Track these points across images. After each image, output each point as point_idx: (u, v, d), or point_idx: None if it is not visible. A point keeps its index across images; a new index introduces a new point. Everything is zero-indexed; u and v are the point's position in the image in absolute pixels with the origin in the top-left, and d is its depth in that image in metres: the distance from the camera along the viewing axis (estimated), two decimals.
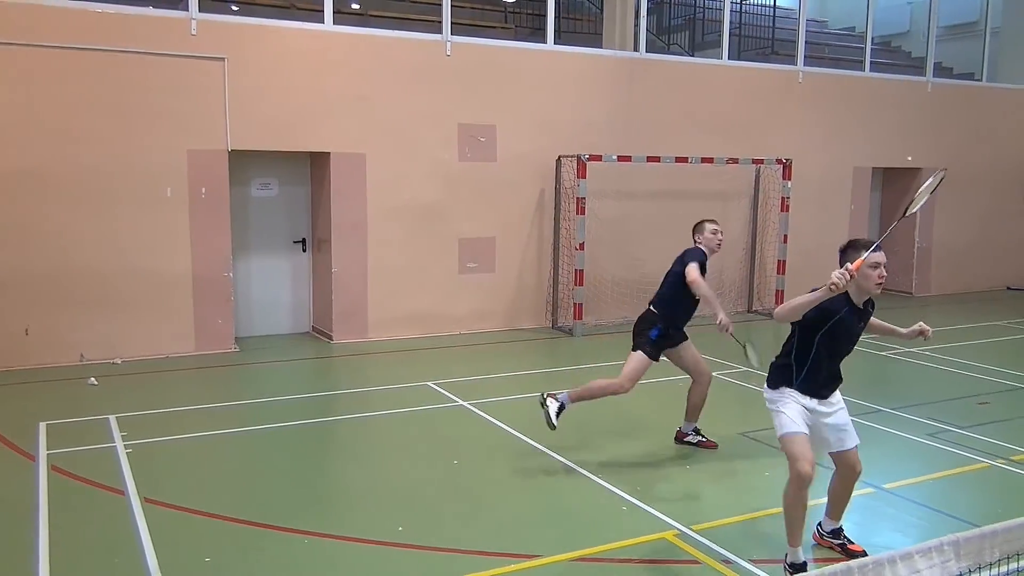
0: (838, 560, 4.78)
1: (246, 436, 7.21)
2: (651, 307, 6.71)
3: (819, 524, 5.10)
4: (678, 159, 11.98)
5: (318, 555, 4.94)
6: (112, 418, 7.44)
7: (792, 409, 4.61)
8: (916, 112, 14.98)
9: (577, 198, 11.37)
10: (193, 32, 9.64)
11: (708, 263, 6.62)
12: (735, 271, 13.38)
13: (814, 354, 4.60)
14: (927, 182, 4.94)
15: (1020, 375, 9.48)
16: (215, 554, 4.91)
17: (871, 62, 14.69)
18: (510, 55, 11.59)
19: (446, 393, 8.51)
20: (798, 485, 4.47)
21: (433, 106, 11.04)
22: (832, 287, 4.16)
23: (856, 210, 14.63)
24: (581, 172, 11.29)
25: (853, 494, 4.99)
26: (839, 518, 5.01)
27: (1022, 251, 16.72)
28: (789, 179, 12.96)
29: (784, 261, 13.12)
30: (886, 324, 5.14)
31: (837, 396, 4.82)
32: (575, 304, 11.62)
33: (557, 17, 12.42)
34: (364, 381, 9.21)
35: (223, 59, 9.77)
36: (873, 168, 14.88)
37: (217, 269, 10.08)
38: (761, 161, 12.93)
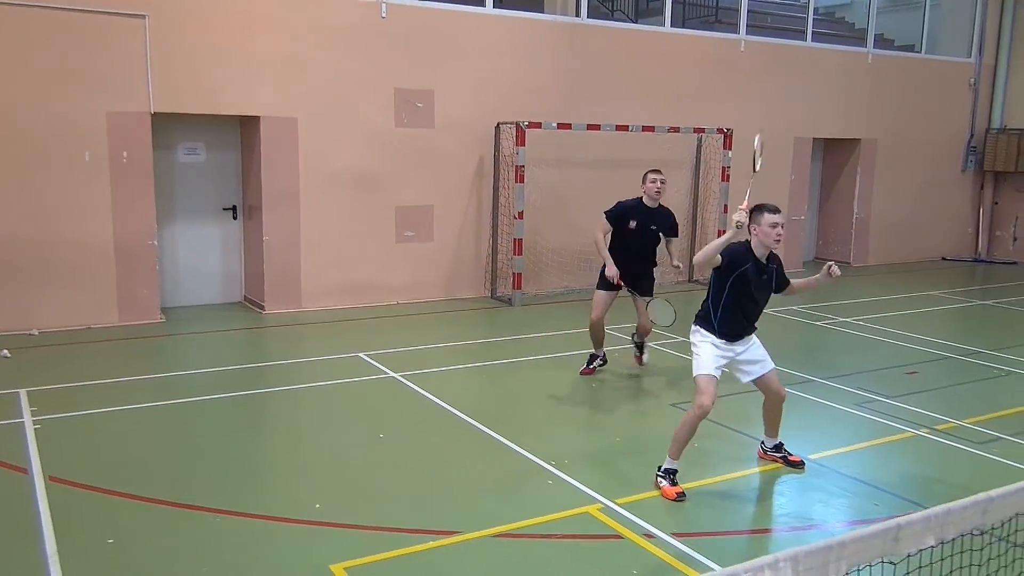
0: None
1: (166, 410, 6.94)
2: None
3: (762, 442, 5.97)
4: (619, 127, 11.84)
5: (229, 535, 4.75)
6: (22, 392, 7.10)
7: (706, 351, 5.39)
8: (856, 83, 15.03)
9: (516, 166, 11.17)
10: None
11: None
12: (676, 240, 13.29)
13: (725, 303, 5.35)
14: (757, 141, 5.84)
15: (950, 345, 9.62)
16: (120, 535, 4.68)
17: (813, 32, 14.68)
18: (449, 18, 11.27)
19: (377, 365, 8.32)
20: (696, 415, 5.27)
21: (368, 70, 10.70)
22: (737, 224, 5.01)
23: (796, 180, 14.69)
24: (520, 139, 11.09)
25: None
26: (776, 435, 5.88)
27: (958, 222, 17.03)
28: (730, 148, 12.92)
29: (724, 230, 13.07)
30: (803, 280, 5.78)
31: (751, 338, 5.56)
32: (514, 274, 11.47)
33: None
34: (294, 352, 8.96)
35: (144, 16, 9.31)
36: (814, 138, 14.93)
37: (141, 237, 9.68)
38: (702, 130, 12.86)
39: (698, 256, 5.24)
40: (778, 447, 5.91)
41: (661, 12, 13.15)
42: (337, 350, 8.85)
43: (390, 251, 11.21)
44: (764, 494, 5.55)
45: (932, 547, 2.57)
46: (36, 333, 9.16)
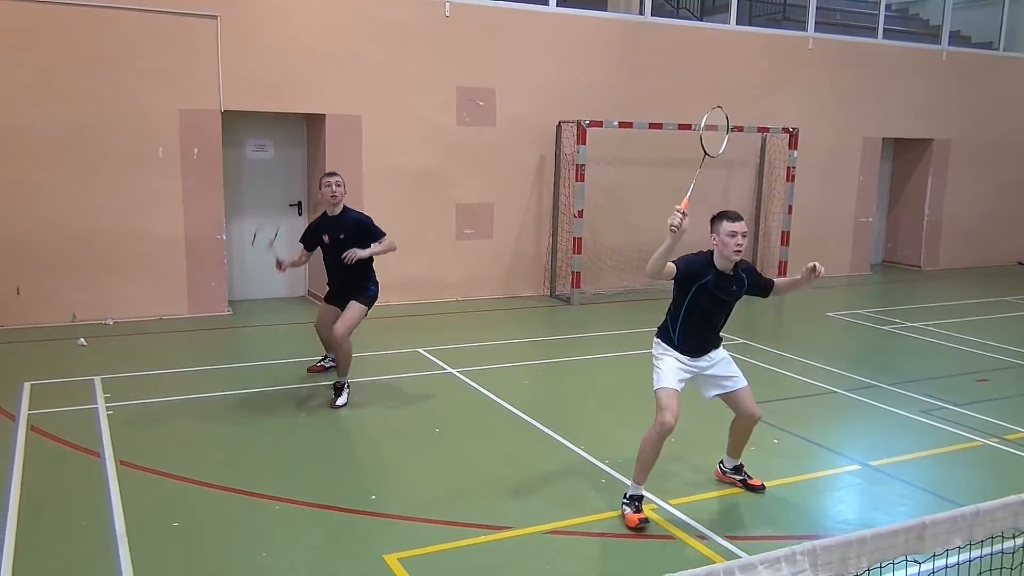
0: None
1: (230, 400, 7.15)
2: None
3: (721, 461, 5.53)
4: (681, 126, 11.73)
5: (286, 522, 4.88)
6: (97, 379, 7.40)
7: (667, 365, 5.02)
8: (930, 81, 14.61)
9: (577, 165, 11.17)
10: None
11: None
12: None
13: (685, 316, 5.01)
14: (708, 120, 5.45)
15: (1022, 352, 9.29)
16: (184, 519, 4.85)
17: (885, 29, 14.31)
18: (511, 17, 11.33)
19: (436, 360, 8.42)
20: (659, 433, 4.83)
21: (431, 68, 10.82)
22: (672, 228, 4.46)
23: (864, 181, 14.35)
24: (581, 138, 11.08)
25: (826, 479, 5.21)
26: (738, 456, 5.44)
27: None
28: (795, 148, 12.70)
29: (788, 232, 12.90)
30: (787, 280, 5.42)
31: (718, 353, 5.16)
32: (573, 272, 11.47)
33: None
34: (354, 347, 9.08)
35: (216, 16, 9.59)
36: (884, 138, 14.56)
37: (210, 231, 9.98)
38: (767, 129, 12.66)
39: (648, 266, 4.72)
40: (738, 468, 5.45)
41: (727, 9, 12.98)
42: (396, 345, 8.99)
43: (450, 248, 11.32)
44: (822, 499, 5.46)
45: (959, 547, 2.48)
46: (111, 323, 9.51)
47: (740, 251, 4.86)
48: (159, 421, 6.58)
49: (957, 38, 15.70)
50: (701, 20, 13.96)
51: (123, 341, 8.94)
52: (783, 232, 12.94)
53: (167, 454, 5.83)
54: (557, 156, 11.60)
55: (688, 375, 5.06)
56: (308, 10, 10.12)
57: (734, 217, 4.89)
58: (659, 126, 11.59)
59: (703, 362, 5.09)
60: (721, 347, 5.19)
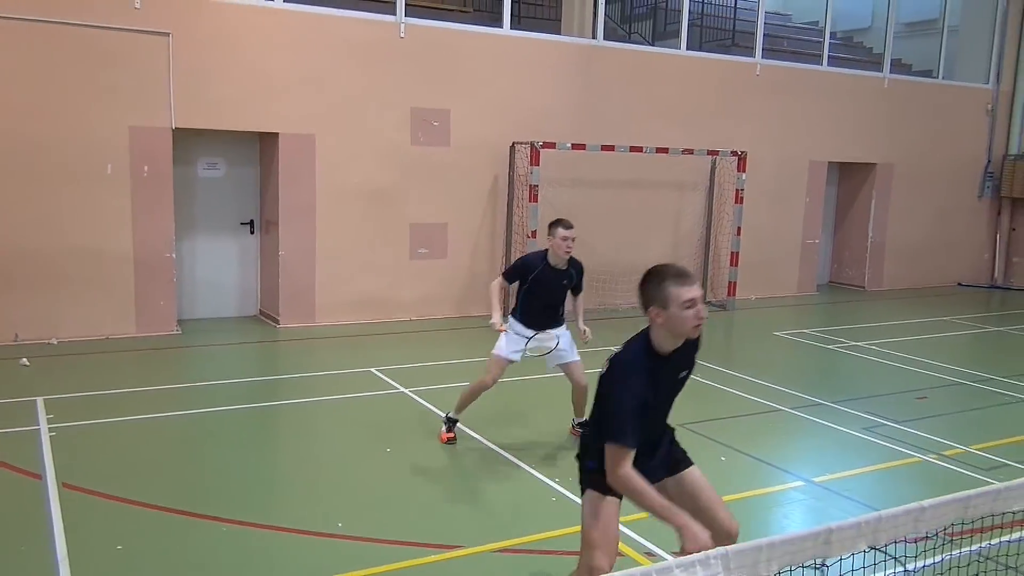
0: None
1: (179, 420, 7.06)
2: None
3: (573, 420, 6.72)
4: (633, 148, 11.93)
5: (234, 544, 4.83)
6: (40, 400, 7.24)
7: (505, 338, 6.34)
8: (873, 107, 15.06)
9: (530, 185, 11.28)
10: (137, 6, 9.37)
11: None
12: (690, 262, 13.36)
13: (525, 299, 6.38)
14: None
15: (961, 371, 9.58)
16: (129, 542, 4.78)
17: (830, 56, 14.74)
18: (466, 39, 11.44)
19: (388, 380, 8.41)
20: (480, 385, 6.37)
21: (386, 88, 10.87)
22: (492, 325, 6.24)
23: (811, 203, 14.70)
24: (535, 159, 11.20)
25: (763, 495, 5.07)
26: (582, 415, 6.51)
27: (974, 248, 16.96)
28: (744, 171, 12.97)
29: (737, 253, 13.15)
30: (580, 307, 6.65)
31: (558, 329, 6.42)
32: None
33: (516, 1, 12.28)
34: (306, 366, 9.07)
35: (168, 34, 9.52)
36: (829, 162, 14.96)
37: (159, 249, 9.85)
38: (716, 153, 12.93)
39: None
40: (584, 424, 5.55)
41: (678, 35, 13.27)
42: (349, 365, 8.95)
43: (404, 267, 11.33)
44: (768, 516, 5.57)
45: (864, 551, 2.61)
46: (55, 342, 9.32)
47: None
48: (104, 442, 6.46)
49: (899, 66, 16.23)
50: (652, 45, 14.24)
51: (68, 361, 8.76)
52: (732, 253, 13.19)
53: (111, 475, 5.73)
54: (511, 177, 11.71)
55: (532, 345, 6.32)
56: (262, 28, 10.11)
57: (568, 225, 6.13)
58: (611, 148, 11.77)
59: (543, 335, 6.32)
60: (562, 326, 6.44)
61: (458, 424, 6.70)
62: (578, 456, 3.79)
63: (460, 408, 6.55)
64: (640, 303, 3.52)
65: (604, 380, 3.51)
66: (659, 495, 3.36)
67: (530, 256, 6.54)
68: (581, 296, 6.64)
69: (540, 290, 6.34)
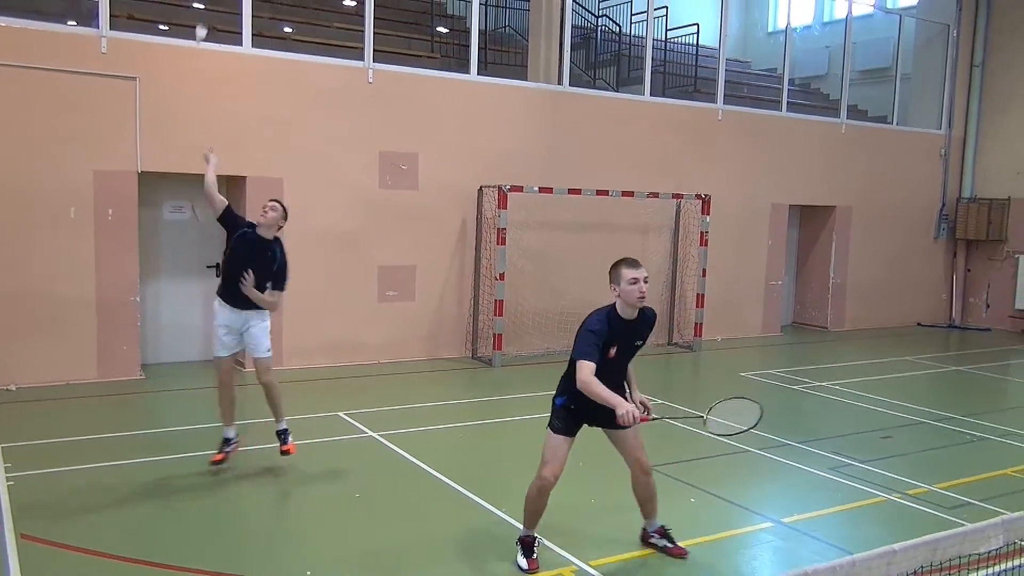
0: None
1: (142, 468, 6.92)
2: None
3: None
4: (599, 192, 12.09)
5: None
6: None
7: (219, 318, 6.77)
8: (831, 151, 15.46)
9: (498, 228, 11.36)
10: (104, 50, 9.38)
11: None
12: (656, 303, 13.45)
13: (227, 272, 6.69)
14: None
15: (924, 410, 9.74)
16: None
17: (789, 102, 15.14)
18: (433, 84, 11.59)
19: (357, 424, 8.34)
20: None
21: (354, 132, 10.94)
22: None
23: (773, 245, 14.97)
24: (502, 202, 11.30)
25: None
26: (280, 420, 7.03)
27: (932, 289, 17.33)
28: (708, 214, 13.20)
29: (703, 295, 13.32)
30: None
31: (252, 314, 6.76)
32: (495, 334, 11.56)
33: (483, 48, 12.49)
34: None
35: (134, 78, 9.53)
36: (790, 205, 15.27)
37: (123, 293, 9.74)
38: (681, 196, 13.15)
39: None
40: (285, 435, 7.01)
41: (641, 81, 13.55)
42: (317, 409, 8.87)
43: (372, 310, 11.30)
44: (738, 557, 5.59)
45: None
46: (14, 388, 9.13)
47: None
48: (63, 491, 6.31)
49: (855, 112, 16.71)
50: (617, 91, 14.51)
51: (27, 407, 8.58)
52: (698, 294, 13.35)
53: (71, 526, 5.60)
54: (479, 219, 11.79)
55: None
56: (230, 73, 10.15)
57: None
58: (578, 191, 11.92)
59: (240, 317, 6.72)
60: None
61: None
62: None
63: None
64: (609, 283, 5.01)
65: (579, 328, 4.97)
66: (608, 391, 4.73)
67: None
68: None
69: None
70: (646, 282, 4.94)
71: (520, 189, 11.49)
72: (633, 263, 4.99)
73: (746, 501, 6.53)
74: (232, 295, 6.66)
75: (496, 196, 11.40)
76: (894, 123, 16.66)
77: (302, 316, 10.79)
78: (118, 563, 5.07)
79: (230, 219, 6.82)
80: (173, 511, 6.06)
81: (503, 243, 11.37)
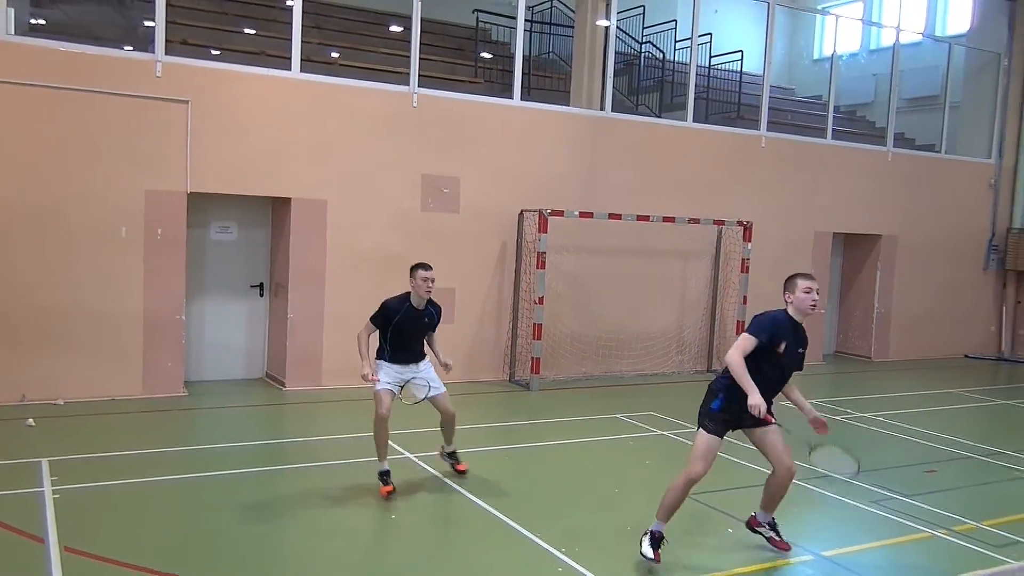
0: None
1: (183, 484, 7.03)
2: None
3: (442, 447, 7.52)
4: (640, 217, 12.08)
5: None
6: (44, 461, 7.23)
7: (383, 373, 6.98)
8: (877, 180, 15.26)
9: (538, 252, 11.40)
10: (158, 74, 9.65)
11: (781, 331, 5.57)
12: (695, 330, 13.41)
13: (391, 341, 7.04)
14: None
15: (970, 444, 9.51)
16: None
17: (834, 130, 15.00)
18: (476, 109, 11.71)
19: (394, 445, 8.32)
20: (377, 420, 6.79)
21: (397, 156, 11.08)
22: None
23: (816, 273, 14.72)
24: (543, 227, 11.34)
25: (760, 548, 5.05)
26: (450, 442, 7.46)
27: (981, 320, 16.95)
28: (749, 241, 13.10)
29: (743, 321, 13.17)
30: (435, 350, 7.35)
31: (422, 364, 7.18)
32: (533, 358, 11.56)
33: (526, 73, 12.59)
34: (311, 430, 9.06)
35: (187, 102, 9.78)
36: (834, 233, 15.08)
37: (169, 311, 9.94)
38: (722, 222, 13.07)
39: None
40: (453, 454, 7.51)
41: (684, 107, 13.54)
42: (354, 429, 8.90)
43: None
44: None
45: None
46: (61, 403, 9.34)
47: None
48: (108, 505, 6.43)
49: (902, 140, 16.49)
50: (660, 117, 14.53)
51: (74, 422, 8.77)
52: (738, 321, 13.22)
53: (115, 540, 5.69)
54: (519, 243, 11.84)
55: (400, 379, 7.03)
56: (277, 97, 10.37)
57: (426, 267, 7.07)
58: (618, 217, 11.92)
59: (409, 371, 7.07)
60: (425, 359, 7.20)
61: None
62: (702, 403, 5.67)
63: (381, 454, 7.02)
64: (784, 291, 5.65)
65: (754, 317, 5.66)
66: (748, 376, 5.33)
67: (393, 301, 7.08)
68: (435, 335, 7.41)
69: (408, 330, 7.07)
70: (818, 293, 5.59)
71: (561, 214, 11.53)
72: (809, 276, 5.64)
73: (785, 533, 6.39)
74: (402, 359, 7.14)
75: (537, 220, 11.44)
76: (942, 152, 16.41)
77: (343, 337, 10.85)
78: None
79: (382, 320, 7.12)
80: (214, 528, 6.13)
81: (542, 267, 11.40)
